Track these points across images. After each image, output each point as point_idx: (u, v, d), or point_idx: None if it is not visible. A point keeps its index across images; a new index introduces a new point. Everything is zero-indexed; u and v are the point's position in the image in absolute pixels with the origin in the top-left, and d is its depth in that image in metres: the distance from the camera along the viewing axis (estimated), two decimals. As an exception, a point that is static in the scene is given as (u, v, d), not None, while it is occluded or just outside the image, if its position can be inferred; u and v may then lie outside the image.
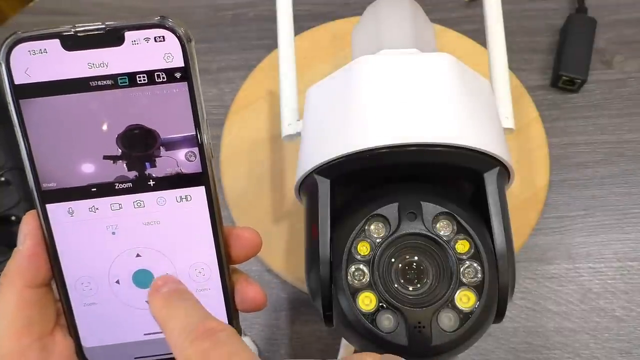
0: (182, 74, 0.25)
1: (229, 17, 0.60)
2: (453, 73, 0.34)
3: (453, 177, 0.36)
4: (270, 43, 0.57)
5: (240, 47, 0.58)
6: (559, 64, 0.55)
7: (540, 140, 0.52)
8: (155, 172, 0.26)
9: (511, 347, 0.47)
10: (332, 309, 0.32)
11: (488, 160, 0.33)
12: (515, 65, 0.56)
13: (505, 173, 0.34)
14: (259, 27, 0.59)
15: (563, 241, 0.50)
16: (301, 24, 0.56)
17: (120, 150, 0.26)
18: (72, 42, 0.25)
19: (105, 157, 0.26)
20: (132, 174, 0.26)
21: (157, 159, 0.26)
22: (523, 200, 0.50)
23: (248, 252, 0.28)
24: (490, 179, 0.33)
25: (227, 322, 0.28)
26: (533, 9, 0.59)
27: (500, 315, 0.32)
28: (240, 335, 0.28)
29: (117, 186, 0.26)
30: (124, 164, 0.26)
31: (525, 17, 0.59)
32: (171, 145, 0.26)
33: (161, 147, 0.26)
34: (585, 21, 0.57)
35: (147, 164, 0.26)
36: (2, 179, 0.47)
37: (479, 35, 0.55)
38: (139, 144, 0.26)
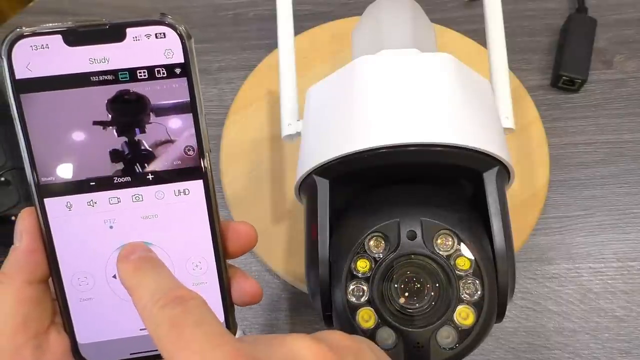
0: (182, 70, 0.26)
1: (229, 17, 0.60)
2: (453, 73, 0.34)
3: (453, 177, 0.36)
4: (270, 43, 0.57)
5: (240, 47, 0.58)
6: (559, 64, 0.55)
7: (540, 140, 0.52)
8: (145, 138, 0.26)
9: (511, 347, 0.47)
10: (332, 310, 0.32)
11: (488, 160, 0.33)
12: (515, 65, 0.56)
13: (505, 173, 0.34)
14: (259, 27, 0.59)
15: (563, 241, 0.50)
16: (301, 24, 0.56)
17: (109, 116, 0.26)
18: (74, 38, 0.25)
19: (95, 123, 0.26)
20: (123, 146, 0.26)
21: (147, 125, 0.26)
22: (523, 200, 0.50)
23: (244, 246, 0.28)
24: (489, 178, 0.33)
25: (223, 316, 0.28)
26: (533, 9, 0.59)
27: (500, 316, 0.32)
28: (235, 331, 0.28)
29: (116, 180, 0.26)
30: (114, 130, 0.26)
31: (525, 17, 0.59)
32: (162, 112, 0.26)
33: (151, 113, 0.26)
34: (585, 21, 0.57)
35: (136, 130, 0.26)
36: (2, 179, 0.47)
37: (479, 35, 0.55)
38: (128, 109, 0.26)
